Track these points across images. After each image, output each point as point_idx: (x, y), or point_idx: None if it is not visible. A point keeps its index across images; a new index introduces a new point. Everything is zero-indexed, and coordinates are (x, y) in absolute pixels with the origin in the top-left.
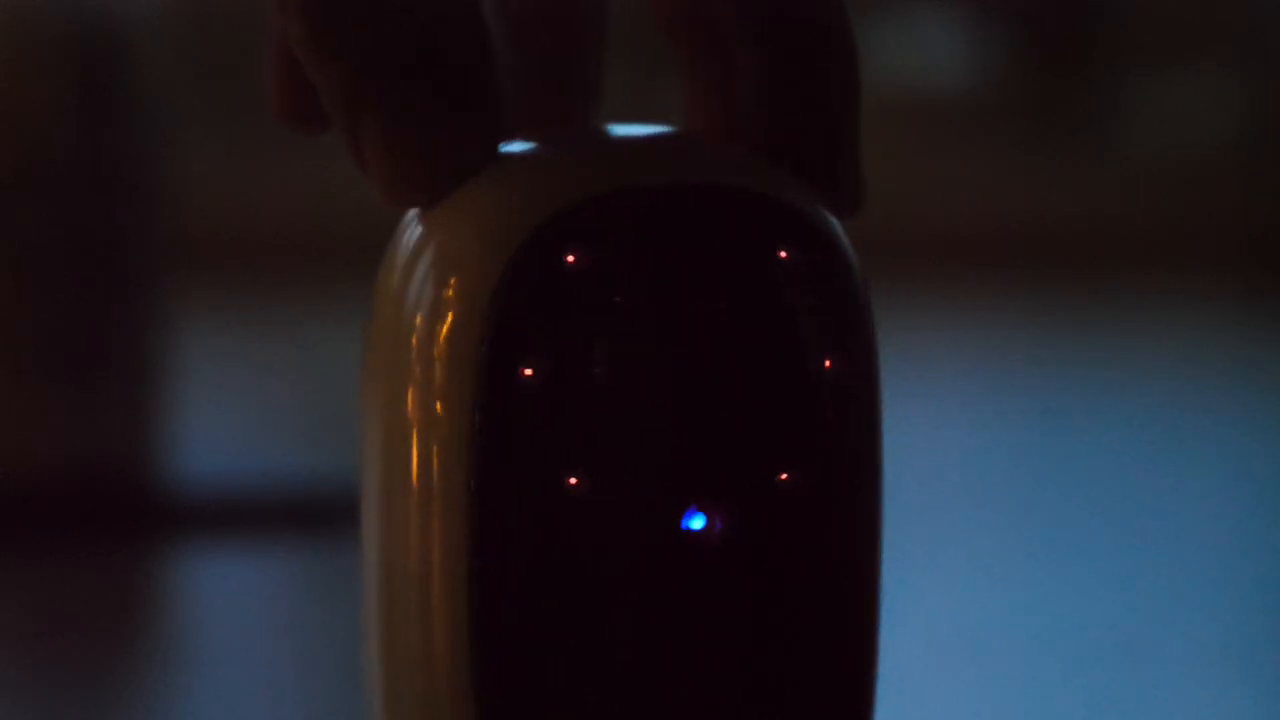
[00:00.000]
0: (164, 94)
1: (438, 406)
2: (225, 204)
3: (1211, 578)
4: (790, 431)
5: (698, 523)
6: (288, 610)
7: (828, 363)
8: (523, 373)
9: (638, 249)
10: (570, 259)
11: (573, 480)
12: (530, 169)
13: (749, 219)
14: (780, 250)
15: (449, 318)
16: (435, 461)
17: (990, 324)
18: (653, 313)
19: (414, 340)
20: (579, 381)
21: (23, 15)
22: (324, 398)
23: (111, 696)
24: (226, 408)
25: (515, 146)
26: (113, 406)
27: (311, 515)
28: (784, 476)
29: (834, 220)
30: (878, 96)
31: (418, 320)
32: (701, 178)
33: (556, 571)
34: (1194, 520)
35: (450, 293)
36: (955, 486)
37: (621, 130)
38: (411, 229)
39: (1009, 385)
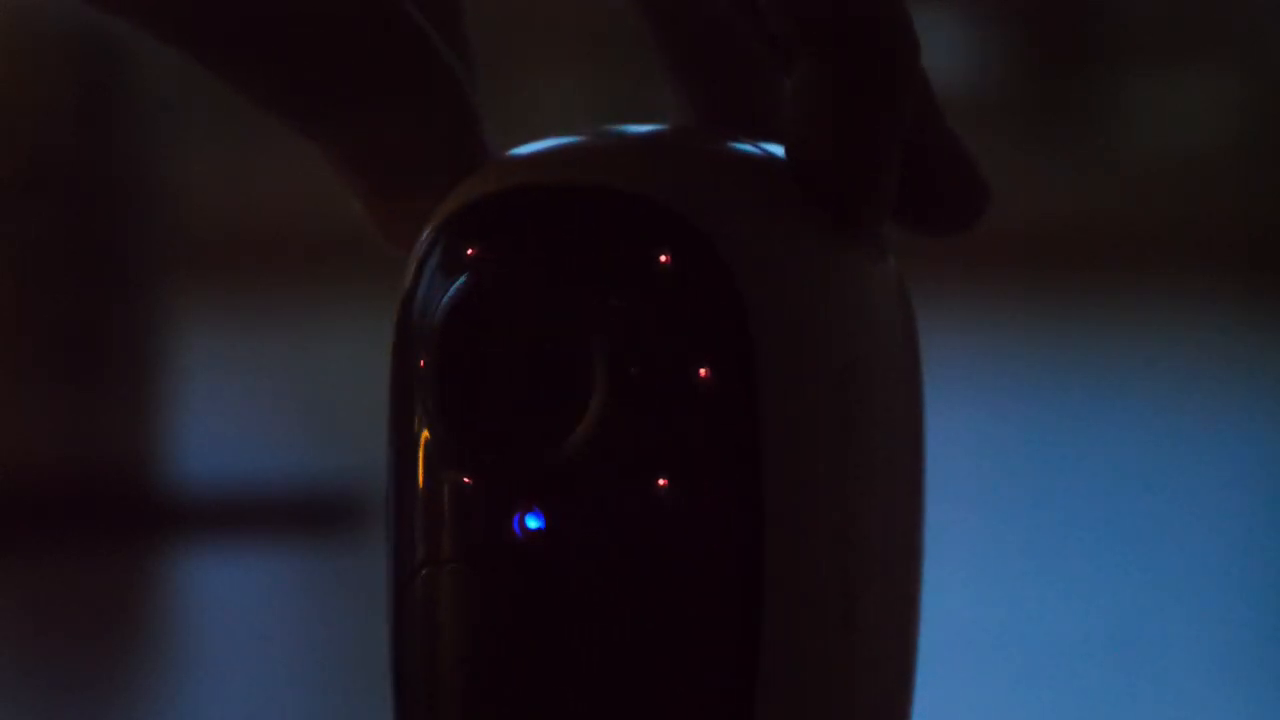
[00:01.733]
0: (164, 94)
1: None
2: (225, 204)
3: (1211, 578)
4: (650, 439)
5: (533, 523)
6: (288, 610)
7: (701, 372)
8: (419, 362)
9: (507, 249)
10: (470, 251)
11: (451, 474)
12: (491, 162)
13: (626, 220)
14: (656, 253)
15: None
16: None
17: (990, 324)
18: (522, 310)
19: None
20: (454, 375)
21: (23, 15)
22: (324, 398)
23: (111, 696)
24: (226, 408)
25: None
26: (113, 406)
27: (311, 515)
28: (647, 484)
29: (748, 227)
30: None
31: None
32: (596, 178)
33: (427, 564)
34: (1194, 520)
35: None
36: (954, 486)
37: (614, 129)
38: None
39: (1008, 385)
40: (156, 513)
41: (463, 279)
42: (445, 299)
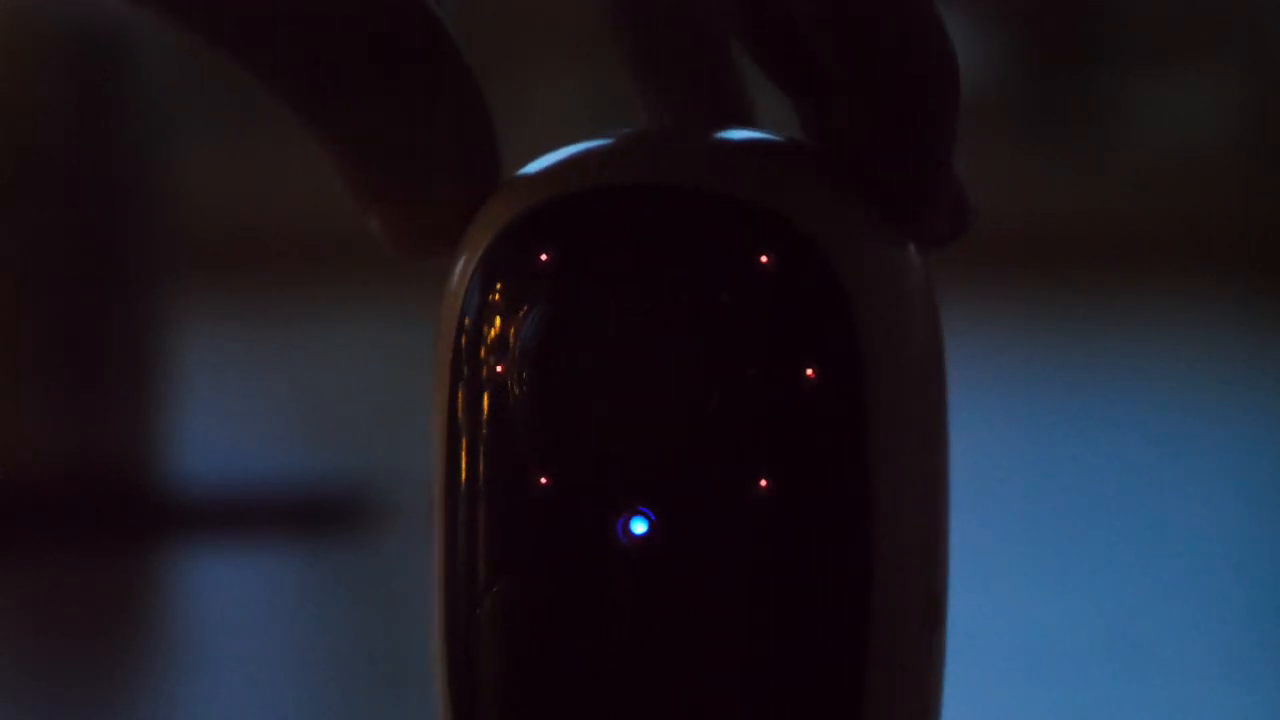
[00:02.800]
0: (164, 94)
1: (434, 402)
2: (225, 204)
3: (1211, 578)
4: (753, 440)
5: (639, 527)
6: (288, 610)
7: (809, 372)
8: (495, 370)
9: (606, 248)
10: (544, 256)
11: (540, 481)
12: (535, 168)
13: (723, 221)
14: (757, 254)
15: (442, 317)
16: (435, 461)
17: (990, 324)
18: (618, 313)
19: (437, 340)
20: (543, 382)
21: (23, 15)
22: (324, 398)
23: (111, 696)
24: (226, 408)
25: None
26: (113, 406)
27: (311, 515)
28: (752, 485)
29: (846, 231)
30: None
31: (439, 321)
32: (684, 179)
33: (518, 572)
34: (1195, 520)
35: (449, 291)
36: (954, 486)
37: (638, 130)
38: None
39: (1008, 385)
40: (156, 513)
41: (559, 280)
42: (543, 301)
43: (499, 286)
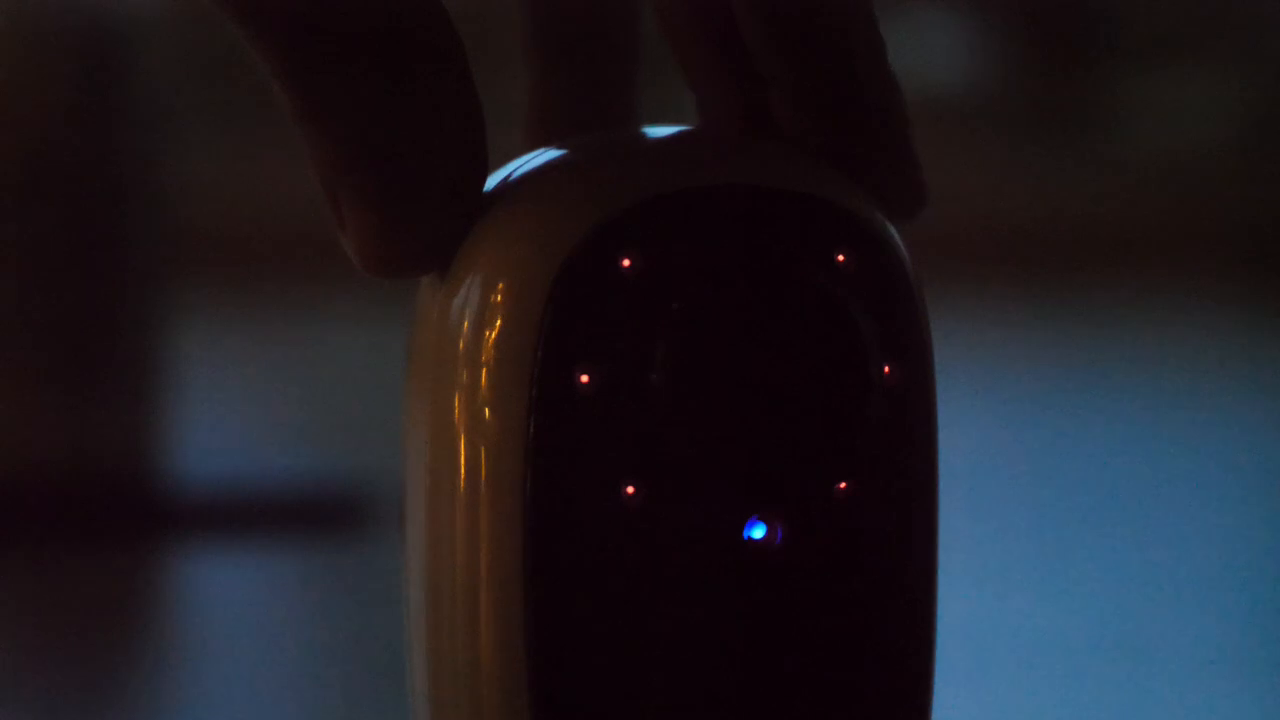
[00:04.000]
0: (164, 94)
1: (487, 413)
2: (225, 204)
3: (1211, 578)
4: (848, 439)
5: (759, 532)
6: (288, 610)
7: (886, 369)
8: (579, 379)
9: (696, 251)
10: (627, 262)
11: (629, 490)
12: (580, 172)
13: (806, 221)
14: (838, 253)
15: (499, 323)
16: (490, 472)
17: (990, 324)
18: (711, 317)
19: (461, 347)
20: (635, 388)
21: (23, 15)
22: (325, 398)
23: (111, 696)
24: (227, 408)
25: (553, 151)
26: (113, 406)
27: (311, 515)
28: (842, 485)
29: (889, 223)
30: None
31: (465, 327)
32: (756, 179)
33: (613, 583)
34: (1195, 520)
35: (505, 299)
36: (954, 486)
37: (661, 131)
38: (470, 238)
39: (1008, 385)
40: (156, 513)
41: (663, 285)
42: (650, 307)
43: (595, 295)
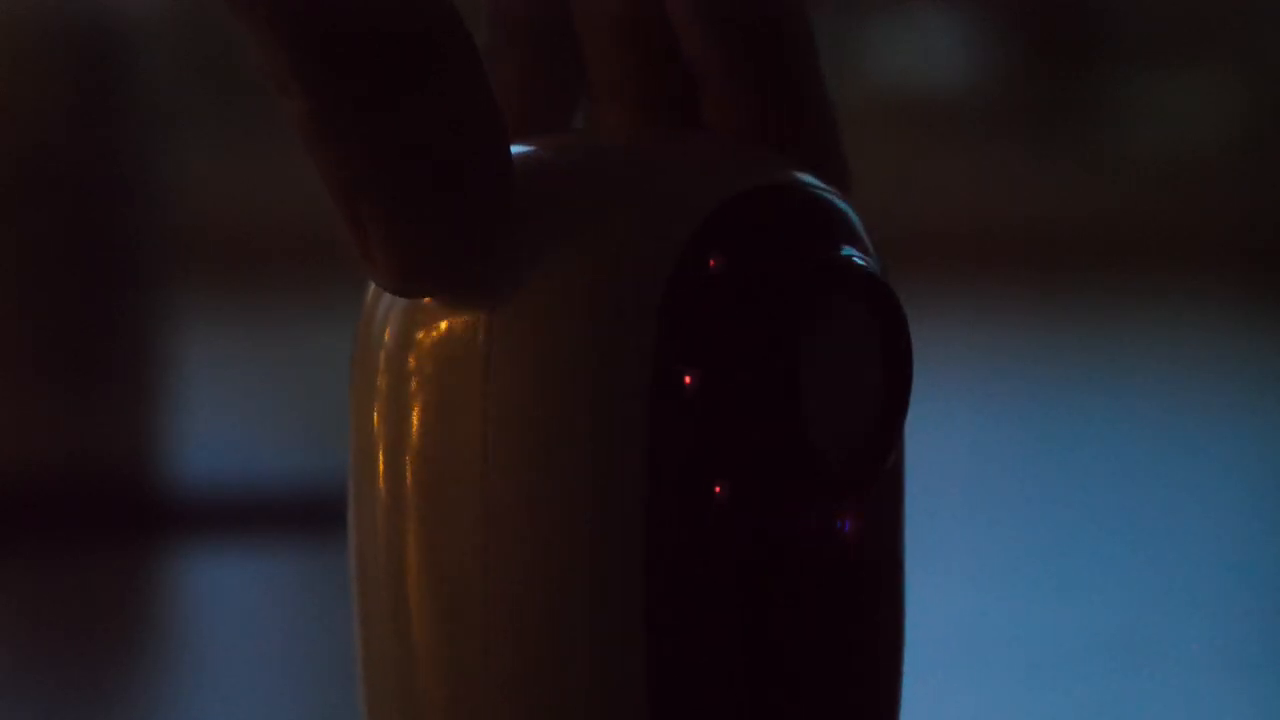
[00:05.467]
0: (164, 94)
1: (591, 422)
2: (226, 204)
3: (1211, 578)
4: (896, 435)
5: (850, 525)
6: (288, 610)
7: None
8: (683, 381)
9: (773, 251)
10: (726, 259)
11: (717, 489)
12: (648, 172)
13: (847, 220)
14: (867, 250)
15: (605, 331)
16: (589, 476)
17: (990, 324)
18: (794, 316)
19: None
20: (735, 387)
21: (23, 15)
22: (324, 398)
23: (111, 696)
24: (226, 408)
25: (559, 149)
26: (113, 406)
27: (311, 515)
28: (888, 482)
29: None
30: (878, 97)
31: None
32: (796, 178)
33: (714, 586)
34: (1194, 520)
35: (604, 312)
36: (955, 486)
37: (656, 133)
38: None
39: (1009, 384)
40: (156, 513)
41: (771, 285)
42: (763, 311)
43: (695, 299)
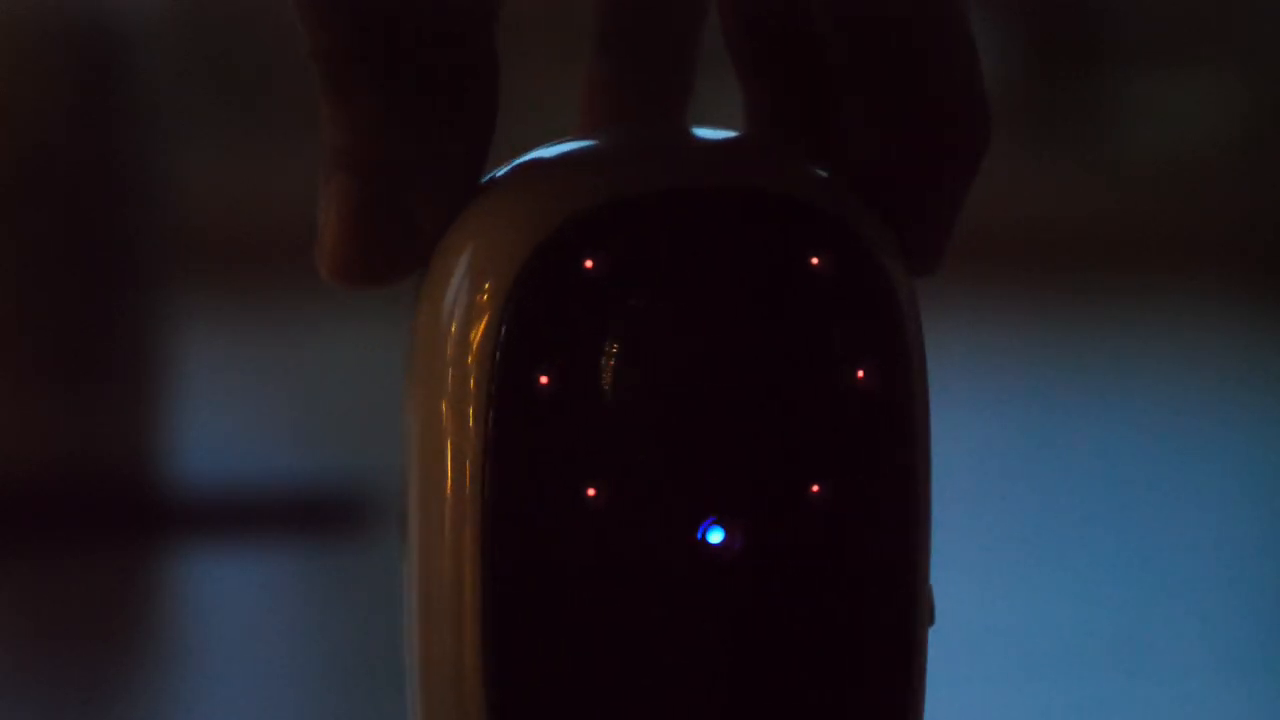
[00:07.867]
0: (164, 94)
1: (452, 413)
2: (225, 204)
3: (1211, 578)
4: (816, 445)
5: (716, 536)
6: (288, 610)
7: (860, 373)
8: (538, 380)
9: (657, 253)
10: (588, 263)
11: (590, 491)
12: (552, 172)
13: (777, 224)
14: (808, 256)
15: (469, 323)
16: (455, 470)
17: (990, 323)
18: (672, 319)
19: (448, 347)
20: (595, 389)
21: (23, 15)
22: (324, 398)
23: (111, 696)
24: (226, 408)
25: (546, 149)
26: (113, 406)
27: (311, 515)
28: (814, 490)
29: (876, 228)
30: None
31: (452, 327)
32: (730, 181)
33: (573, 586)
34: (1194, 520)
35: (472, 297)
36: (954, 486)
37: (671, 131)
38: (449, 235)
39: (1009, 385)
40: (156, 513)
41: (627, 287)
42: (611, 310)
43: (556, 296)
